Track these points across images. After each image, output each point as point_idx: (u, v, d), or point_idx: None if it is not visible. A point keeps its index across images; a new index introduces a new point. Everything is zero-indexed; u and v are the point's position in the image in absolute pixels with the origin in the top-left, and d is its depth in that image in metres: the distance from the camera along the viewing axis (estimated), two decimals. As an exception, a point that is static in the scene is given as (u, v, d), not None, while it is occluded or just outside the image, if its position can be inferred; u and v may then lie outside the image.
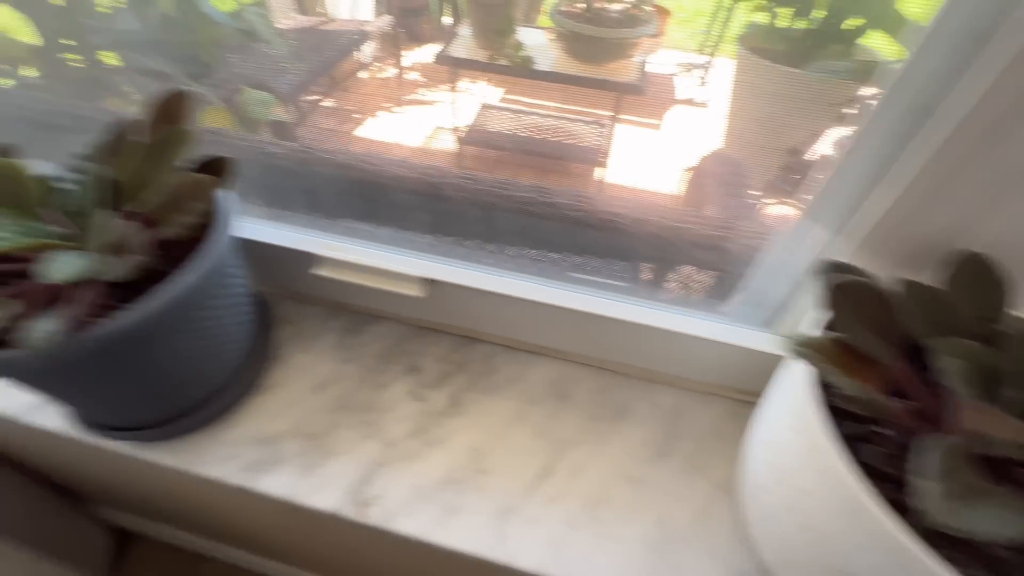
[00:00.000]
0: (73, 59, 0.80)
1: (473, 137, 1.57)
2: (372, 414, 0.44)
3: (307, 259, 0.45)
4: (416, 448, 0.42)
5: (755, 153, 1.26)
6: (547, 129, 1.68)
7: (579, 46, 1.50)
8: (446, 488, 0.40)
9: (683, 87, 1.64)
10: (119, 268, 0.28)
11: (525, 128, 1.64)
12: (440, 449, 0.42)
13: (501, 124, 1.64)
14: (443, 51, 1.42)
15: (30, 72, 0.80)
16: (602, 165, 1.54)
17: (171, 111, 0.36)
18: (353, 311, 0.51)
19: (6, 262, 0.33)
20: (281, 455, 0.41)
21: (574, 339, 0.47)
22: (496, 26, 1.53)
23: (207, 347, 0.38)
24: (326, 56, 1.46)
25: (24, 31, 0.74)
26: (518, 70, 1.52)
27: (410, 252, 0.45)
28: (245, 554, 0.90)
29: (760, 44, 1.10)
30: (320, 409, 0.44)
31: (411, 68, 1.65)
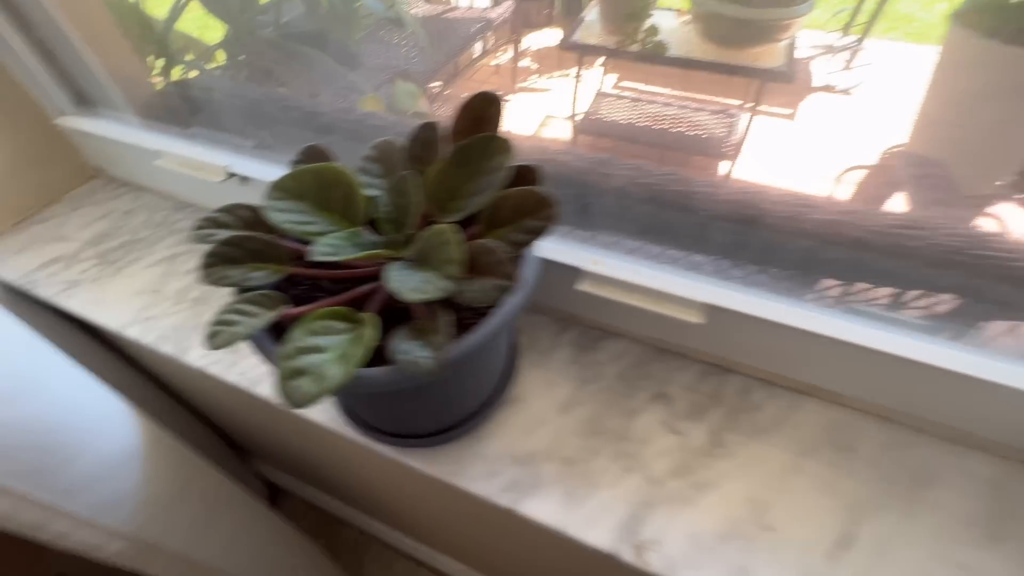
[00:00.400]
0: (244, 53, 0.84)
1: (587, 126, 1.48)
2: (628, 444, 0.41)
3: (572, 274, 0.42)
4: (683, 490, 0.39)
5: (966, 153, 1.07)
6: (669, 119, 1.56)
7: (721, 29, 1.37)
8: (729, 542, 0.36)
9: (833, 74, 1.43)
10: (482, 292, 0.27)
11: (645, 117, 1.54)
12: (712, 495, 0.38)
13: (618, 113, 1.53)
14: (568, 37, 1.36)
15: (210, 65, 0.84)
16: (730, 158, 1.40)
17: (479, 115, 0.34)
18: (584, 324, 0.48)
19: (328, 268, 0.33)
20: (541, 478, 0.39)
21: (854, 380, 0.40)
22: (630, 9, 1.44)
23: (490, 365, 0.37)
24: (451, 44, 1.46)
25: (211, 27, 0.78)
26: (650, 56, 1.42)
27: (678, 271, 0.41)
28: (390, 530, 0.93)
29: (983, 21, 0.92)
30: (571, 432, 0.42)
31: (527, 54, 1.60)
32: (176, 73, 0.74)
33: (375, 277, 0.34)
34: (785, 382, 0.44)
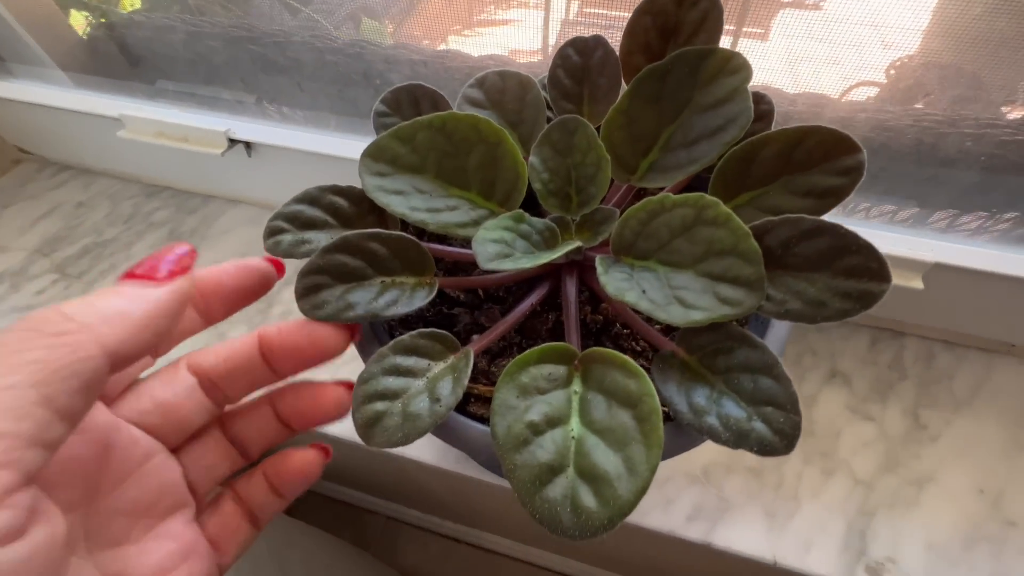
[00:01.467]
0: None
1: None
2: (818, 440, 0.34)
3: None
4: (900, 489, 0.32)
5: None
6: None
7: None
8: (973, 547, 0.30)
9: None
10: (828, 300, 0.16)
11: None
12: (934, 490, 0.32)
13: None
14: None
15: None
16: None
17: (669, 25, 0.23)
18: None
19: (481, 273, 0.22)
20: (728, 498, 0.32)
21: None
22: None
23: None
24: None
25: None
26: None
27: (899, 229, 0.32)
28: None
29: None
30: (745, 433, 0.34)
31: None
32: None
33: (540, 277, 0.23)
34: (969, 340, 0.37)
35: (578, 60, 0.24)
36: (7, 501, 0.10)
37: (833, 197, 0.19)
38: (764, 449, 0.14)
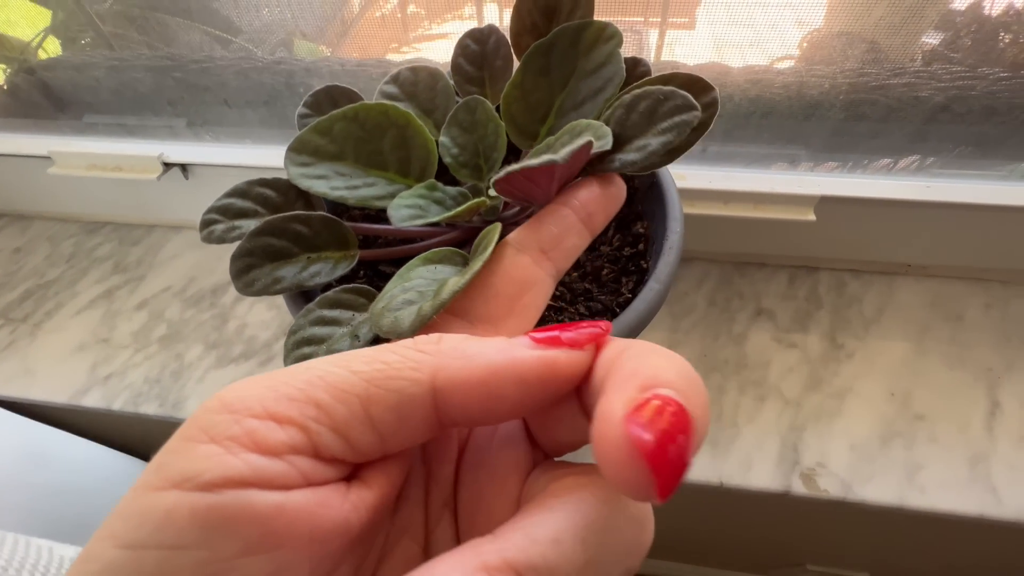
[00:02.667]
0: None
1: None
2: (750, 371, 0.37)
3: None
4: (825, 403, 0.35)
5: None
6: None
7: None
8: (890, 443, 0.34)
9: None
10: (651, 147, 0.19)
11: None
12: (853, 400, 0.35)
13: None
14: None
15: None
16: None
17: (548, 5, 0.26)
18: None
19: (398, 243, 0.24)
20: (675, 434, 0.35)
21: (941, 247, 0.39)
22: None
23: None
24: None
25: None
26: None
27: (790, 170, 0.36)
28: None
29: None
30: (685, 374, 0.37)
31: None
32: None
33: (462, 242, 0.25)
34: (872, 267, 0.41)
35: (476, 48, 0.27)
36: (287, 456, 0.10)
37: (699, 130, 0.22)
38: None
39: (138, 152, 0.39)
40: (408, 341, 0.12)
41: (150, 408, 0.38)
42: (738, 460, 0.33)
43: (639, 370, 0.10)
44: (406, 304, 0.17)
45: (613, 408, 0.09)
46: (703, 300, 0.41)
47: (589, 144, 0.16)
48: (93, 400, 0.39)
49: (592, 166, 0.19)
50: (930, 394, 0.35)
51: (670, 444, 0.09)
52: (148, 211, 0.47)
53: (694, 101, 0.18)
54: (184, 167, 0.41)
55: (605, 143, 0.17)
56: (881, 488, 0.32)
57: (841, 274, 0.42)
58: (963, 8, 0.32)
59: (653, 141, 0.18)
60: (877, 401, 0.35)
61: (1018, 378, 0.36)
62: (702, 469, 0.33)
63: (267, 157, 0.39)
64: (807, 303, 0.40)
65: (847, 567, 0.51)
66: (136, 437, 0.48)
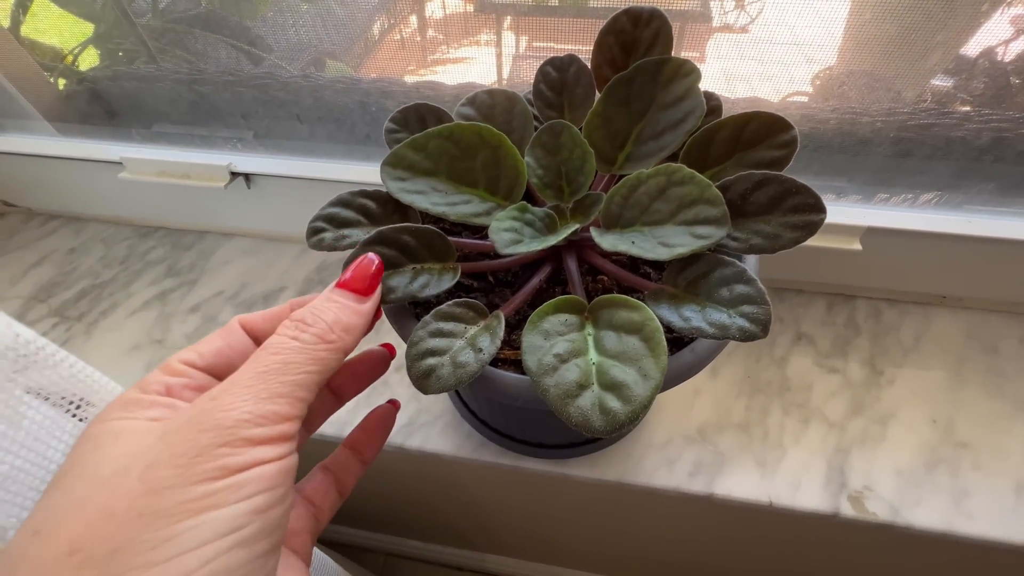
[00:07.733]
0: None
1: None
2: (793, 394, 0.38)
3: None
4: (867, 427, 0.36)
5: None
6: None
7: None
8: (934, 469, 0.34)
9: (728, 13, 1.49)
10: (777, 232, 0.21)
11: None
12: (896, 425, 0.36)
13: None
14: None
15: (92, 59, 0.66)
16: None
17: (627, 41, 0.28)
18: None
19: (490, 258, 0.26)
20: (723, 452, 0.35)
21: (975, 279, 0.40)
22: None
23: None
24: (358, 19, 1.32)
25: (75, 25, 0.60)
26: (569, 10, 1.38)
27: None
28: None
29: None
30: (731, 395, 0.38)
31: (431, 24, 1.50)
32: (87, 62, 0.57)
33: (543, 259, 0.27)
34: (908, 297, 0.43)
35: (556, 75, 0.29)
36: (291, 425, 0.15)
37: (777, 166, 0.23)
38: (744, 335, 0.18)
39: (207, 161, 0.41)
40: (323, 331, 0.17)
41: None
42: (786, 480, 0.34)
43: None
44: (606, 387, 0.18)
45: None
46: (744, 323, 0.42)
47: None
48: (147, 399, 0.40)
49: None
50: (971, 422, 0.36)
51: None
52: (202, 217, 0.49)
53: (824, 204, 0.20)
54: (248, 177, 0.42)
55: (715, 238, 0.20)
56: (929, 513, 0.32)
57: (878, 303, 0.43)
58: (1011, 59, 0.34)
59: (785, 234, 0.20)
60: (920, 427, 0.36)
61: (1056, 410, 0.37)
62: (750, 488, 0.34)
63: (328, 170, 0.41)
64: (846, 329, 0.41)
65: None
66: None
